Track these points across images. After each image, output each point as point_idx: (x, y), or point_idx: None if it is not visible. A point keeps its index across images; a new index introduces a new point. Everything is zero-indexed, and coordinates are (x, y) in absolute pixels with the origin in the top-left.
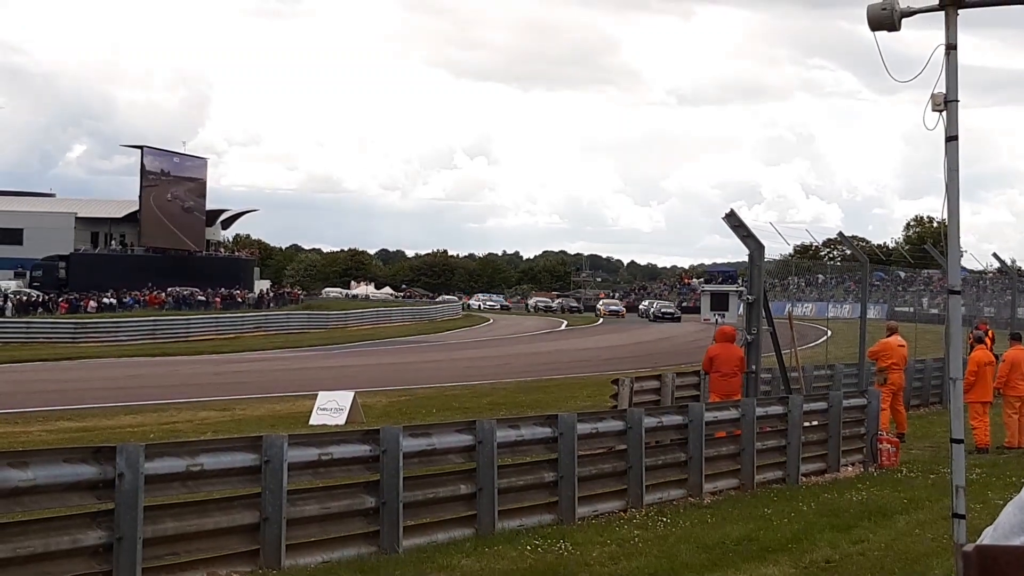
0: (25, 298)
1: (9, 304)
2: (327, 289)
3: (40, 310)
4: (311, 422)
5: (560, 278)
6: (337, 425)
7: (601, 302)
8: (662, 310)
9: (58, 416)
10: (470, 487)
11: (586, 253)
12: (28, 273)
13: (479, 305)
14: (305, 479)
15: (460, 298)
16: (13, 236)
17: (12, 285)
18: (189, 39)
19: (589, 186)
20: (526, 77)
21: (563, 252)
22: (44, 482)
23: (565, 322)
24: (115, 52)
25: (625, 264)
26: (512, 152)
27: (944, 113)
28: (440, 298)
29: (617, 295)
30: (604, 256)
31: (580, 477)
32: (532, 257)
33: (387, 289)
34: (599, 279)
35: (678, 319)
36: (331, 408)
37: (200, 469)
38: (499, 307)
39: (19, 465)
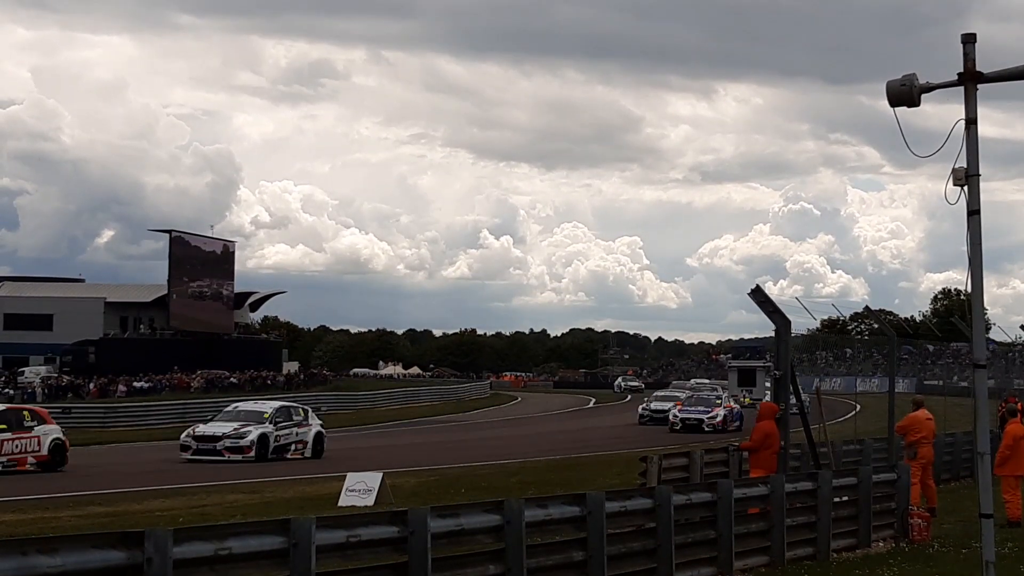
0: (55, 383)
1: (40, 389)
2: (355, 370)
3: (70, 395)
4: (340, 503)
5: (588, 355)
6: (366, 506)
7: (620, 378)
8: None
9: (88, 501)
10: (499, 567)
11: (613, 330)
12: (58, 358)
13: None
14: (333, 561)
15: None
16: (43, 322)
17: (43, 370)
18: (215, 123)
19: (614, 263)
20: (549, 156)
21: (590, 329)
22: (73, 568)
23: (593, 400)
24: (142, 138)
25: (652, 341)
26: (537, 231)
27: (966, 187)
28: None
29: (644, 372)
30: (631, 333)
31: (609, 556)
32: (559, 335)
33: (415, 369)
34: (626, 356)
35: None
36: (360, 489)
37: (228, 553)
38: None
39: (48, 551)
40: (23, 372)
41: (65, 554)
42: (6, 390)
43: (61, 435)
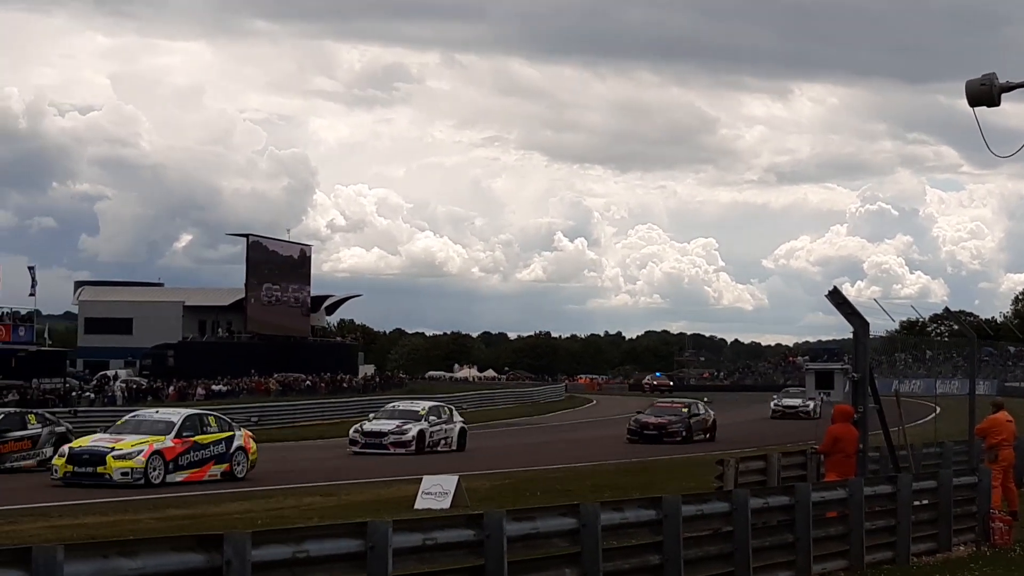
0: (135, 386)
1: (120, 392)
2: (430, 373)
3: (150, 398)
4: (416, 506)
5: (663, 358)
6: (442, 509)
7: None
8: None
9: (167, 504)
10: (575, 571)
11: (688, 332)
12: (138, 362)
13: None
14: (410, 564)
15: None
16: (123, 325)
17: (123, 374)
18: (290, 128)
19: (689, 265)
20: (623, 158)
21: (665, 331)
22: (152, 571)
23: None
24: (219, 143)
25: (728, 343)
26: (611, 233)
27: None
28: None
29: (721, 374)
30: (707, 335)
31: (685, 560)
32: (634, 337)
33: (490, 371)
34: (702, 358)
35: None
36: (436, 492)
37: (306, 556)
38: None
39: (128, 554)
40: (108, 376)
41: (145, 556)
42: (87, 394)
43: None
